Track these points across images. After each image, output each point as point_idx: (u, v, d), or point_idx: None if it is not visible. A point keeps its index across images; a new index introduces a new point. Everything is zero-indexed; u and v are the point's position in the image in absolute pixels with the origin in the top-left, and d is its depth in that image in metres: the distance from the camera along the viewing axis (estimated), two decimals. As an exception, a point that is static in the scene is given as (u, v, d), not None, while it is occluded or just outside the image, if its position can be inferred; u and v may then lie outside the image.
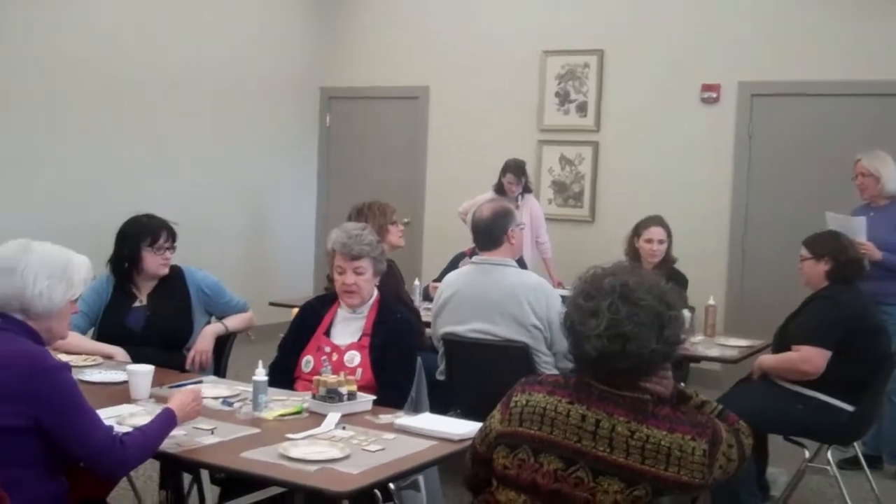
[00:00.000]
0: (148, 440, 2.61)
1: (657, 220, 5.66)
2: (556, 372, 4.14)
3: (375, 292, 3.78)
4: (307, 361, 3.65)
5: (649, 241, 5.58)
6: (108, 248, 4.09)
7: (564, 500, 2.30)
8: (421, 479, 3.64)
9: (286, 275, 8.66)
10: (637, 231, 5.67)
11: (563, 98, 7.90)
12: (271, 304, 5.98)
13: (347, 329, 3.72)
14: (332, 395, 3.10)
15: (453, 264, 5.95)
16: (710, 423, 2.35)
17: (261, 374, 3.13)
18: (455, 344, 4.31)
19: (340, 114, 9.09)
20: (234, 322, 4.23)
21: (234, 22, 8.17)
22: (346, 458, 2.66)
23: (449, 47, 8.37)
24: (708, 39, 7.27)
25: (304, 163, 9.11)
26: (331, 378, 3.13)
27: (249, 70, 8.33)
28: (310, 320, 3.79)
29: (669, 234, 5.64)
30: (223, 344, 4.22)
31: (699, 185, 7.30)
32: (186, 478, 3.48)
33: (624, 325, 2.27)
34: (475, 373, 4.29)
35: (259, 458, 2.64)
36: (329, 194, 9.16)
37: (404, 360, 3.68)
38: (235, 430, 2.91)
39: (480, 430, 2.54)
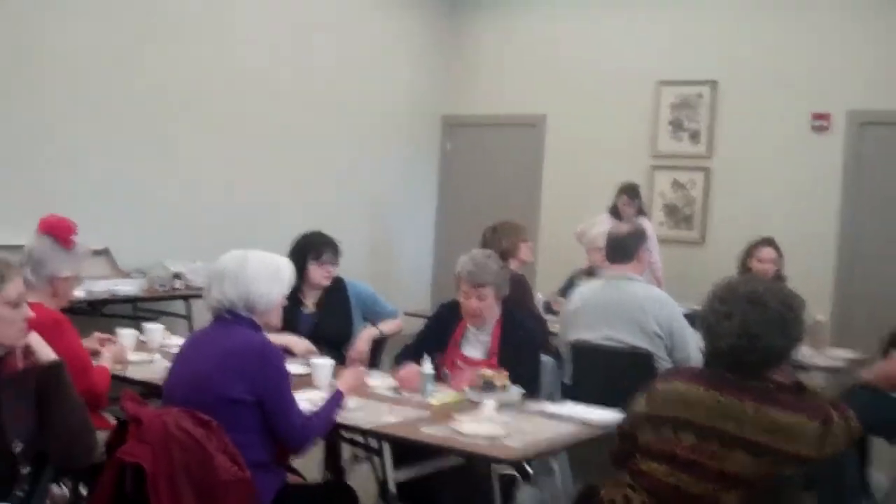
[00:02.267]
0: (322, 423, 3.17)
1: (769, 242, 6.02)
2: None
3: (498, 310, 4.23)
4: (445, 375, 4.11)
5: (761, 260, 5.94)
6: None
7: (699, 468, 2.75)
8: (556, 464, 4.13)
9: (406, 291, 9.19)
10: (750, 252, 6.04)
11: (677, 126, 8.31)
12: (406, 313, 6.49)
13: (476, 343, 4.21)
14: (489, 387, 3.60)
15: (571, 280, 6.43)
16: (824, 407, 2.77)
17: (428, 368, 3.66)
18: (583, 350, 4.75)
19: (460, 140, 9.65)
20: (387, 326, 4.77)
21: (361, 49, 8.74)
22: (508, 435, 3.15)
23: (567, 77, 8.87)
24: (818, 69, 7.61)
25: (425, 186, 9.69)
26: (488, 372, 3.64)
27: (377, 97, 8.92)
28: (441, 322, 4.29)
29: (780, 255, 5.99)
30: (378, 345, 4.76)
31: (808, 210, 7.62)
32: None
33: (753, 326, 2.72)
34: (600, 376, 4.72)
35: (437, 433, 3.16)
36: (447, 216, 9.71)
37: (531, 366, 4.15)
38: (409, 413, 3.43)
39: (627, 412, 3.01)
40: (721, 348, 2.78)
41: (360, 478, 4.33)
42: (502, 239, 5.34)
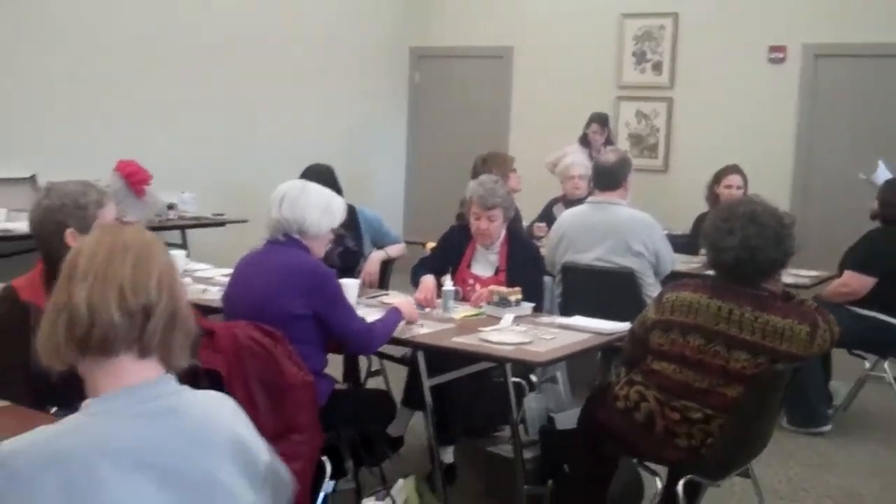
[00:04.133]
0: (386, 330, 3.54)
1: (735, 169, 6.45)
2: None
3: (504, 231, 4.63)
4: (457, 291, 4.49)
5: (728, 186, 6.36)
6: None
7: (705, 367, 3.19)
8: (559, 373, 4.56)
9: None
10: (717, 178, 6.46)
11: (640, 57, 8.68)
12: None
13: (485, 262, 4.60)
14: (505, 302, 4.00)
15: (548, 208, 6.81)
16: (811, 313, 3.21)
17: (449, 285, 4.04)
18: (573, 270, 5.16)
19: (429, 72, 9.91)
20: (393, 250, 5.14)
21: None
22: (531, 342, 3.56)
23: (532, 9, 9.15)
24: (776, 2, 8.00)
25: (395, 118, 9.95)
26: (503, 289, 4.04)
27: (344, 30, 9.09)
28: (452, 243, 4.67)
29: (746, 181, 6.43)
30: (385, 267, 5.13)
31: (765, 137, 8.06)
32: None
33: (752, 240, 3.14)
34: (589, 296, 5.14)
35: (467, 342, 3.56)
36: (417, 147, 10.02)
37: (537, 282, 4.56)
38: (436, 326, 3.82)
39: (638, 319, 3.43)
40: (725, 261, 3.20)
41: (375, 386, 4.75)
42: (492, 169, 5.68)
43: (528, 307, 4.11)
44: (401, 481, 3.59)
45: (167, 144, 7.44)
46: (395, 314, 3.63)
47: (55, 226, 2.80)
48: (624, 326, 3.84)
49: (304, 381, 3.15)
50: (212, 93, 7.93)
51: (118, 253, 1.65)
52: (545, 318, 4.04)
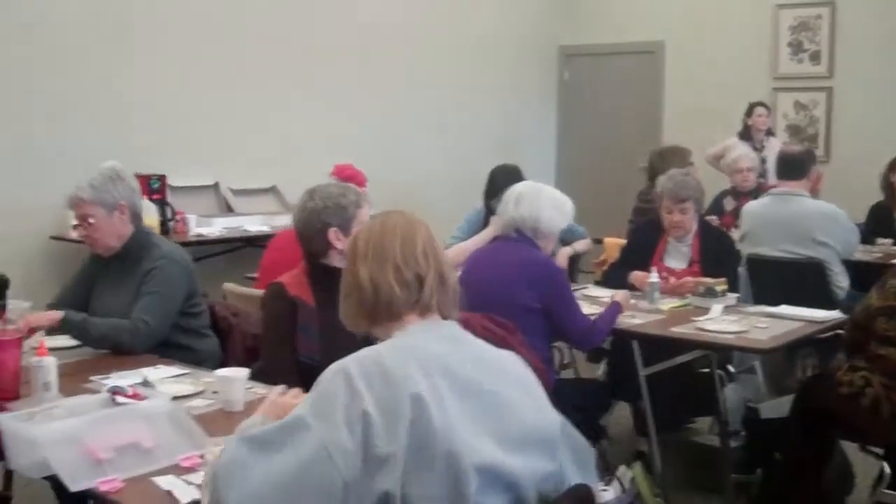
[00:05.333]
0: (606, 325, 3.68)
1: (914, 155, 6.37)
2: (846, 283, 5.03)
3: (696, 223, 4.69)
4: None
5: (907, 174, 6.29)
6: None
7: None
8: (756, 363, 4.61)
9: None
10: (893, 167, 6.38)
11: (797, 48, 8.60)
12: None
13: (677, 254, 4.67)
14: (711, 293, 4.08)
15: (718, 201, 6.82)
16: None
17: (655, 277, 4.15)
18: (759, 262, 5.19)
19: (578, 70, 10.00)
20: (579, 245, 5.26)
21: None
22: (747, 331, 3.64)
23: (684, 3, 9.15)
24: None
25: (544, 116, 10.05)
26: (709, 280, 4.12)
27: (492, 29, 9.19)
28: (642, 240, 4.76)
29: (923, 169, 6.34)
30: (573, 262, 5.26)
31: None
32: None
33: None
34: (776, 287, 5.16)
35: (685, 331, 3.66)
36: (567, 145, 10.10)
37: (733, 273, 4.62)
38: (647, 316, 3.93)
39: (860, 306, 3.48)
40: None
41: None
42: (670, 164, 5.74)
43: (733, 297, 4.19)
44: (622, 468, 3.70)
45: (333, 150, 7.69)
46: (615, 308, 3.77)
47: (320, 225, 3.01)
48: (833, 314, 3.88)
49: (538, 369, 3.28)
50: (367, 105, 8.16)
51: (388, 235, 1.95)
52: (752, 308, 4.10)
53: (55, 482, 2.95)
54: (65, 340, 3.28)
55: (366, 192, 4.06)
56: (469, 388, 1.80)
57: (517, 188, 3.68)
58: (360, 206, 3.10)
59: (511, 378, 1.91)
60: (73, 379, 2.86)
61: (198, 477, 2.12)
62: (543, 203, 3.63)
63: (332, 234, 3.01)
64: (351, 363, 1.77)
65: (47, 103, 6.07)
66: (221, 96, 7.03)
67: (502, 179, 5.13)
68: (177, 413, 2.31)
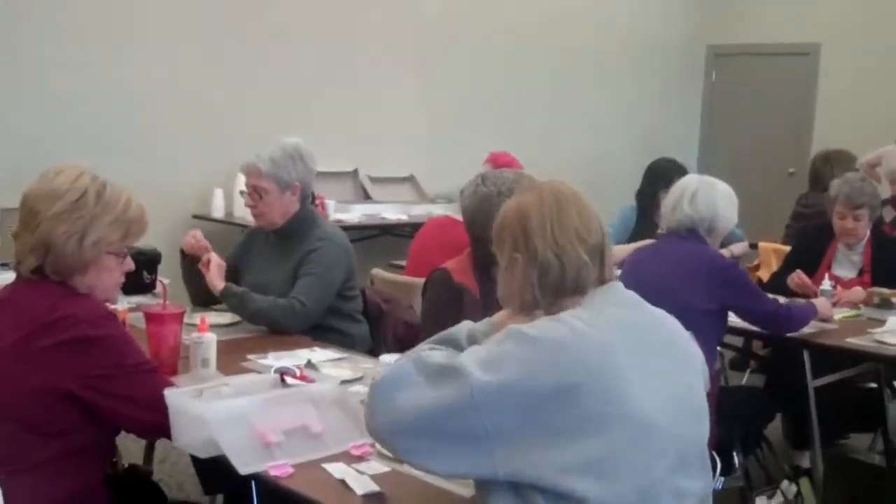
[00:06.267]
0: (802, 318, 3.52)
1: None
2: None
3: (868, 230, 4.40)
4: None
5: None
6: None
7: None
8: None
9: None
10: None
11: (963, 49, 8.12)
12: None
13: (847, 262, 4.39)
14: (887, 304, 3.82)
15: (875, 210, 6.46)
16: None
17: (826, 285, 3.93)
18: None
19: (726, 70, 9.66)
20: (737, 248, 5.07)
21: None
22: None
23: (843, 4, 8.73)
24: None
25: (688, 117, 9.75)
26: (885, 290, 3.86)
27: (640, 28, 8.99)
28: (809, 246, 4.50)
29: None
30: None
31: None
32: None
33: None
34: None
35: (863, 343, 3.47)
36: (711, 147, 9.77)
37: None
38: (819, 325, 3.71)
39: None
40: None
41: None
42: (834, 167, 5.46)
43: (913, 308, 3.91)
44: (785, 481, 3.49)
45: (473, 142, 7.57)
46: (812, 307, 3.60)
47: (493, 211, 2.87)
48: None
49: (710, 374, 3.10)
50: (518, 90, 8.04)
51: (564, 205, 1.82)
52: (934, 321, 3.81)
53: (199, 462, 2.95)
54: (218, 317, 3.25)
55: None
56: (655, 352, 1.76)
57: (689, 184, 3.48)
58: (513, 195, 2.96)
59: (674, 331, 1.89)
60: (231, 357, 2.80)
61: (370, 467, 2.02)
62: (719, 200, 3.42)
63: (502, 222, 2.87)
64: (529, 328, 1.68)
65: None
66: (357, 84, 7.01)
67: (666, 174, 4.94)
68: (346, 398, 2.21)
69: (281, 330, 3.18)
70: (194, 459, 2.96)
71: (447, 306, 2.87)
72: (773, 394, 4.21)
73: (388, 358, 2.48)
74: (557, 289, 1.78)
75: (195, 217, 6.10)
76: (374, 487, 1.90)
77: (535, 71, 8.18)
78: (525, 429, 1.59)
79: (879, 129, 7.74)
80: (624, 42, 8.88)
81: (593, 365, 1.62)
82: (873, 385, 3.98)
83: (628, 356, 1.67)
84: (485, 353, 1.67)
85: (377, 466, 2.02)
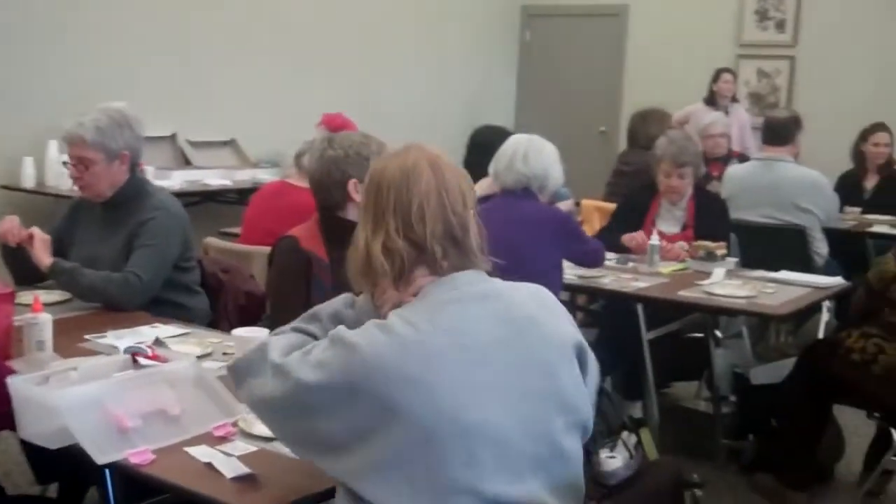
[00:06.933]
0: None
1: (883, 126, 6.35)
2: (825, 250, 5.03)
3: (691, 188, 4.60)
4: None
5: (876, 144, 6.27)
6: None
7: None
8: (744, 328, 4.56)
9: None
10: (864, 136, 6.36)
11: (762, 15, 8.55)
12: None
13: (670, 218, 4.58)
14: (711, 257, 4.00)
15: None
16: None
17: (655, 240, 4.05)
18: (744, 228, 5.13)
19: (540, 30, 9.83)
20: (564, 206, 5.07)
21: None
22: (756, 296, 3.56)
23: (651, -33, 9.05)
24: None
25: (504, 77, 9.89)
26: (709, 244, 4.04)
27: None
28: (634, 203, 4.67)
29: (893, 139, 6.33)
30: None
31: (893, 95, 7.90)
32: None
33: None
34: (757, 251, 5.12)
35: (694, 295, 3.60)
36: (526, 106, 9.95)
37: (728, 234, 4.55)
38: (651, 280, 3.84)
39: (874, 272, 3.43)
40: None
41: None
42: (651, 126, 5.65)
43: (732, 261, 4.12)
44: (625, 432, 3.61)
45: (281, 115, 7.42)
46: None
47: (339, 176, 2.81)
48: (837, 281, 3.83)
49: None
50: (338, 67, 7.94)
51: (442, 173, 1.79)
52: (753, 273, 4.03)
53: (31, 449, 2.78)
54: (47, 296, 3.06)
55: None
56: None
57: (518, 144, 3.54)
58: (382, 156, 2.92)
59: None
60: (67, 338, 2.64)
61: (235, 447, 1.95)
62: (549, 158, 3.50)
63: (352, 185, 2.80)
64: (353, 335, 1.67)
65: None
66: (177, 43, 6.75)
67: (491, 141, 4.96)
68: (204, 376, 2.13)
69: (117, 306, 3.03)
70: (26, 446, 2.80)
71: (295, 274, 2.80)
72: (607, 347, 4.36)
73: (240, 332, 2.39)
74: (414, 262, 1.73)
75: (3, 188, 5.73)
76: (244, 469, 1.84)
77: (354, 35, 8.09)
78: (334, 431, 1.62)
79: (686, 88, 8.09)
80: (440, 3, 8.89)
81: (414, 377, 1.59)
82: (698, 335, 4.19)
83: (454, 363, 1.63)
84: (313, 355, 1.67)
85: (243, 446, 1.96)
